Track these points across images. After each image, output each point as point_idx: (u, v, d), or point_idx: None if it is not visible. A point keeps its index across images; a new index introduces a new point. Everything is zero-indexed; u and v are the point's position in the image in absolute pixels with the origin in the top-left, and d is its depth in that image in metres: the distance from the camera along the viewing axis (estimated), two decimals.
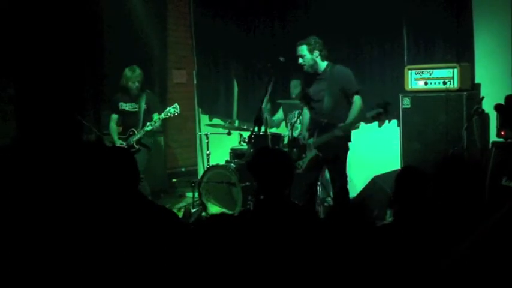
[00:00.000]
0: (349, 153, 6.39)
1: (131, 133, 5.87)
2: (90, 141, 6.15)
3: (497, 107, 4.98)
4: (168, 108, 5.79)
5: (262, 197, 2.98)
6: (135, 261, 2.50)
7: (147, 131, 5.80)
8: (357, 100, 4.92)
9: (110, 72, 6.45)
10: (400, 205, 2.91)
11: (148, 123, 5.78)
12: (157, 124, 5.82)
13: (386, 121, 6.40)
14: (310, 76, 5.08)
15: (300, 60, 4.96)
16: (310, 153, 4.98)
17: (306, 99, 5.20)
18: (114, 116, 6.03)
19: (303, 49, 4.95)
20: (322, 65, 5.01)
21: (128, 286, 2.47)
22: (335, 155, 4.96)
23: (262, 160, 3.04)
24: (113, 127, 6.01)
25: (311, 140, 5.01)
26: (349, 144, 5.10)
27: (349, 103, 4.93)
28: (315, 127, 5.06)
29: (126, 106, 5.94)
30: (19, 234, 2.87)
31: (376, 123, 6.36)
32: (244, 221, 2.83)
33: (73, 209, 2.97)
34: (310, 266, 2.48)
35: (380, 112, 4.64)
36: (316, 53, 4.95)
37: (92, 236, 2.59)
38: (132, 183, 2.80)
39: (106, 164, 2.78)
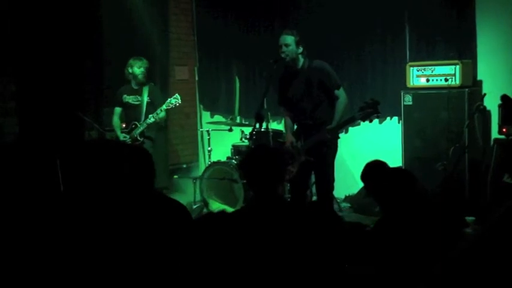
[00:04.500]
0: (350, 149, 6.44)
1: (134, 126, 5.85)
2: (102, 139, 6.13)
3: (504, 98, 4.92)
4: (168, 99, 5.76)
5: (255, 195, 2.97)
6: (145, 256, 2.50)
7: (150, 124, 5.77)
8: (340, 95, 4.69)
9: (111, 68, 6.44)
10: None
11: (150, 116, 5.75)
12: (160, 116, 5.77)
13: (388, 118, 6.41)
14: (287, 77, 4.86)
15: (284, 49, 4.67)
16: (300, 158, 4.71)
17: (285, 103, 4.95)
18: (118, 109, 5.99)
19: (290, 39, 4.68)
20: (301, 61, 4.76)
21: (136, 282, 2.47)
22: (323, 158, 4.68)
23: (251, 159, 3.03)
24: (116, 121, 5.98)
25: (299, 144, 4.76)
26: (339, 140, 4.86)
27: (333, 100, 4.70)
28: (300, 130, 4.86)
29: (129, 98, 5.91)
30: (26, 230, 2.87)
31: (376, 120, 6.37)
32: (237, 219, 2.82)
33: (82, 206, 2.96)
34: (303, 264, 2.48)
35: (369, 112, 4.44)
36: (301, 48, 4.71)
37: (100, 232, 2.58)
38: (147, 181, 2.79)
39: (123, 162, 2.78)
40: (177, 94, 5.80)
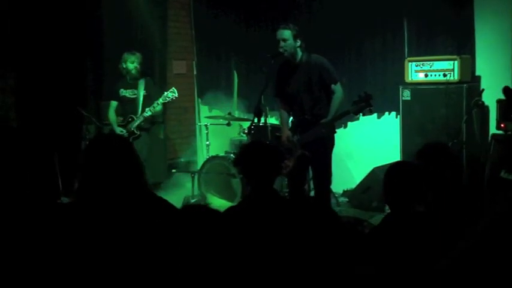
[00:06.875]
0: (349, 144, 6.45)
1: (130, 119, 5.87)
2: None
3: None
4: (165, 93, 5.79)
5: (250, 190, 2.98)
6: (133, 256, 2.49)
7: (147, 117, 5.80)
8: (337, 90, 4.68)
9: (110, 63, 6.42)
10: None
11: (147, 109, 5.78)
12: (156, 109, 5.80)
13: (386, 113, 6.41)
14: (285, 71, 4.85)
15: (282, 44, 4.67)
16: (296, 152, 4.68)
17: (284, 97, 4.94)
18: (114, 103, 6.00)
19: (287, 34, 4.67)
20: (299, 55, 4.75)
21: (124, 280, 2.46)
22: (320, 153, 4.66)
23: (247, 155, 3.04)
24: (112, 115, 5.97)
25: (295, 138, 4.78)
26: (337, 135, 4.88)
27: (329, 96, 4.70)
28: (297, 124, 4.87)
29: (126, 92, 5.93)
30: (23, 227, 2.85)
31: (375, 115, 6.38)
32: (231, 215, 2.82)
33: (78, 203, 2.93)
34: (300, 261, 2.48)
35: (362, 106, 4.44)
36: (299, 42, 4.69)
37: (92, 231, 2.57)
38: (132, 172, 2.75)
39: (103, 152, 2.74)
40: (173, 88, 5.85)
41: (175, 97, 5.81)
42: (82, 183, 2.69)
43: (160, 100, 5.76)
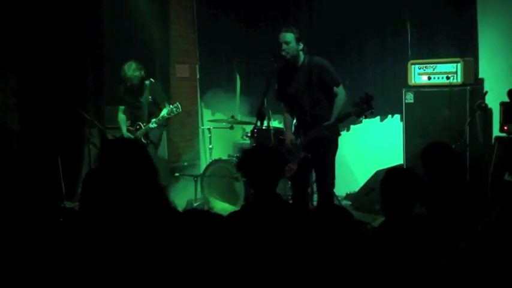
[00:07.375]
0: (352, 147, 6.43)
1: (138, 127, 5.91)
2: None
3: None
4: (170, 107, 5.78)
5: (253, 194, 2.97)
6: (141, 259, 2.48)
7: (152, 128, 5.84)
8: (340, 93, 4.66)
9: (111, 66, 6.42)
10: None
11: (152, 120, 5.81)
12: (162, 121, 5.84)
13: (389, 115, 6.39)
14: (287, 73, 4.83)
15: (284, 47, 4.65)
16: (299, 155, 4.72)
17: (285, 99, 4.93)
18: (122, 107, 6.04)
19: (290, 37, 4.66)
20: (301, 58, 4.74)
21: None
22: (321, 154, 4.67)
23: (249, 159, 3.03)
24: (122, 118, 6.02)
25: (298, 141, 4.76)
26: (340, 138, 4.85)
27: (332, 98, 4.68)
28: (299, 126, 4.87)
29: (131, 99, 5.96)
30: (26, 230, 2.84)
31: (378, 117, 6.37)
32: (234, 220, 2.81)
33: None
34: (299, 265, 2.47)
35: (364, 108, 4.39)
36: (301, 45, 4.69)
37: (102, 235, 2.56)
38: (148, 177, 2.72)
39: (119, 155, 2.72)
40: (177, 103, 5.79)
41: (179, 112, 5.79)
42: (97, 187, 2.64)
43: (165, 114, 5.76)
